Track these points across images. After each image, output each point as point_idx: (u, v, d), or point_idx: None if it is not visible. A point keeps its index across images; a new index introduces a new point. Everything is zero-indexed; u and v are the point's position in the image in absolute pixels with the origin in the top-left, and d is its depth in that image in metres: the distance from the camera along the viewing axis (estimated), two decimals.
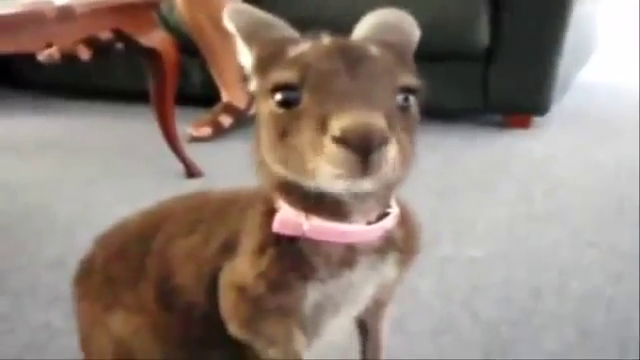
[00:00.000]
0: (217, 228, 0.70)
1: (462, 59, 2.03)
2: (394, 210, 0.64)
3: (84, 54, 2.13)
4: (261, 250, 0.62)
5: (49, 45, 1.40)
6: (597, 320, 1.04)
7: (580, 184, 1.64)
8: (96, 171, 1.85)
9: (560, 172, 1.74)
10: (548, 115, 2.13)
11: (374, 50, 0.55)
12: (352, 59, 0.53)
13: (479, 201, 1.55)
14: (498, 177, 1.71)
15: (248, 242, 0.64)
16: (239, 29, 0.60)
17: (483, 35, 2.00)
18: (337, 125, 0.48)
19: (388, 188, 0.59)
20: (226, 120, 2.14)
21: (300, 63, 0.54)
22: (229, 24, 0.61)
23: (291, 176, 0.55)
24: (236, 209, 0.69)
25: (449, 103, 2.09)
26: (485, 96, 2.09)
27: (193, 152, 1.80)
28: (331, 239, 0.61)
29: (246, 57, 0.61)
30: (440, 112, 2.07)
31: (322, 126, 0.49)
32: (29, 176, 1.83)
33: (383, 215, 0.63)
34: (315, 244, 0.61)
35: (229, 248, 0.67)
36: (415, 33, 0.62)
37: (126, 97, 2.54)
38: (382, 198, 0.61)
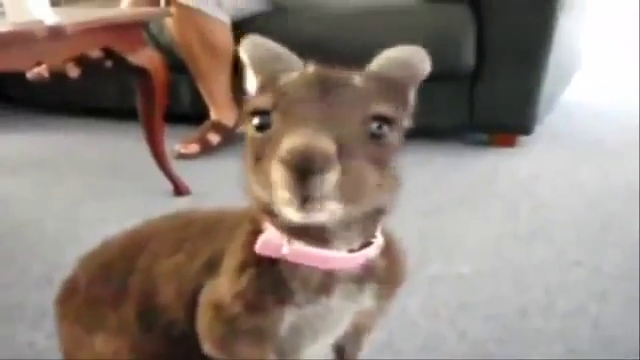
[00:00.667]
0: (202, 246, 0.70)
1: (448, 78, 2.04)
2: (378, 240, 0.65)
3: (73, 72, 2.12)
4: (241, 269, 0.63)
5: (39, 64, 1.40)
6: (583, 338, 1.05)
7: (565, 203, 1.65)
8: (84, 188, 1.85)
9: (545, 191, 1.75)
10: (533, 134, 2.16)
11: (356, 80, 0.56)
12: (326, 87, 0.54)
13: (466, 219, 1.56)
14: (485, 195, 1.73)
15: (230, 261, 0.65)
16: (250, 59, 0.63)
17: (469, 55, 2.02)
18: (283, 146, 0.49)
19: (371, 217, 0.60)
20: (214, 138, 2.15)
21: (277, 90, 0.55)
22: (243, 54, 0.63)
23: (266, 200, 0.55)
24: (224, 228, 0.70)
25: (436, 122, 2.11)
26: (471, 115, 2.12)
27: (181, 170, 1.81)
28: (311, 263, 0.61)
29: (252, 85, 0.63)
30: (427, 131, 2.09)
31: (277, 149, 0.50)
32: (17, 192, 1.83)
33: (367, 244, 0.63)
34: (294, 268, 0.62)
35: (212, 266, 0.68)
36: (423, 68, 0.62)
37: (115, 115, 2.55)
38: (366, 227, 0.62)
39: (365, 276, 0.65)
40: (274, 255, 0.62)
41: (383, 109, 0.55)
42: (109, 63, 1.97)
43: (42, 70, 2.14)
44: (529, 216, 1.57)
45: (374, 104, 0.54)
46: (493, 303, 1.16)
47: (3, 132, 2.56)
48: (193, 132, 2.17)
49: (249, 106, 0.56)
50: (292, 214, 0.51)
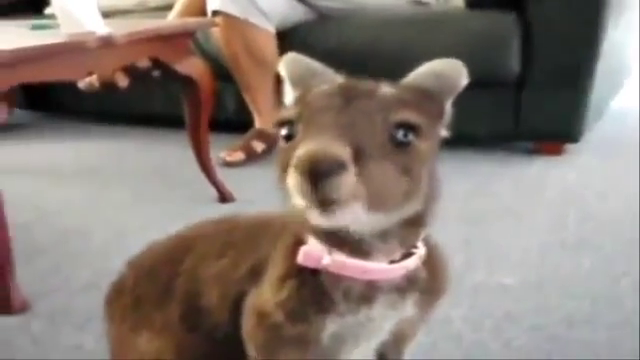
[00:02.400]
0: (246, 253, 0.72)
1: (493, 85, 2.02)
2: (420, 250, 0.65)
3: (122, 82, 2.18)
4: (283, 280, 0.65)
5: (90, 73, 1.45)
6: (630, 349, 1.02)
7: (613, 213, 1.62)
8: (130, 196, 1.89)
9: (593, 200, 1.72)
10: (581, 142, 2.12)
11: (382, 90, 0.56)
12: (349, 97, 0.55)
13: (511, 228, 1.54)
14: (530, 204, 1.70)
15: (273, 270, 0.67)
16: (288, 75, 0.65)
17: (514, 61, 2.00)
18: (297, 153, 0.50)
19: (409, 228, 0.61)
20: (259, 146, 2.17)
21: (303, 101, 0.57)
22: (281, 70, 0.65)
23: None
24: (268, 235, 0.72)
25: (480, 130, 2.09)
26: (516, 123, 2.09)
27: (226, 177, 1.83)
28: (352, 275, 0.62)
29: (290, 99, 0.65)
30: (471, 139, 2.08)
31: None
32: (66, 200, 1.87)
33: (409, 255, 0.64)
34: (336, 278, 0.63)
35: (256, 273, 0.69)
36: (460, 81, 0.61)
37: (162, 123, 2.60)
38: (404, 238, 0.62)
39: (407, 286, 0.65)
40: (315, 266, 0.63)
41: (408, 116, 0.55)
42: (157, 73, 2.02)
43: (93, 80, 2.21)
44: (576, 226, 1.54)
45: (399, 111, 0.55)
46: (538, 313, 1.14)
47: (53, 141, 2.63)
48: (238, 140, 2.20)
49: (278, 117, 0.58)
50: (315, 218, 0.52)
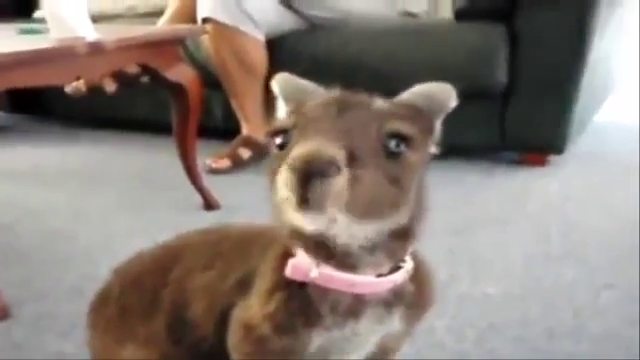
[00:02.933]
0: (235, 264, 0.72)
1: (480, 97, 2.04)
2: (407, 264, 0.66)
3: (110, 87, 2.17)
4: (271, 292, 0.65)
5: (78, 79, 1.44)
6: None
7: (597, 224, 1.64)
8: (117, 201, 1.88)
9: (576, 211, 1.74)
10: (564, 154, 2.14)
11: (376, 103, 0.58)
12: (344, 107, 0.56)
13: (496, 239, 1.55)
14: (515, 215, 1.72)
15: (261, 283, 0.67)
16: (281, 91, 0.66)
17: (502, 73, 2.02)
18: (291, 154, 0.51)
19: (397, 241, 0.61)
20: (245, 153, 2.17)
21: (299, 111, 0.59)
22: (274, 87, 0.67)
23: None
24: (257, 247, 0.72)
25: (467, 140, 2.11)
26: (502, 134, 2.11)
27: (212, 184, 1.83)
28: (338, 288, 0.63)
29: (282, 113, 0.66)
30: (457, 149, 2.09)
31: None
32: (52, 204, 1.86)
33: (396, 268, 0.65)
34: (323, 292, 0.63)
35: (244, 286, 0.69)
36: (449, 103, 0.62)
37: (149, 128, 2.59)
38: (392, 252, 0.63)
39: (394, 300, 0.66)
40: (303, 279, 0.63)
41: (401, 127, 0.56)
42: (145, 79, 2.01)
43: (80, 85, 2.20)
44: (560, 237, 1.56)
45: (392, 122, 0.56)
46: (522, 325, 1.15)
47: (39, 144, 2.62)
48: (225, 147, 2.20)
49: (272, 127, 0.59)
50: (291, 214, 0.53)
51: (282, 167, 0.51)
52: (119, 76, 2.07)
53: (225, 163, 2.14)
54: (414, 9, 2.49)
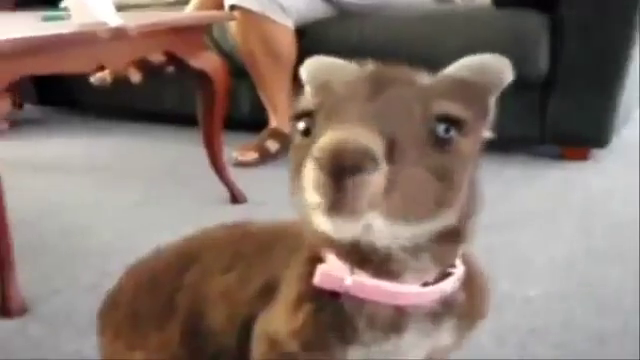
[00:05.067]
0: (258, 267, 0.64)
1: (520, 87, 1.95)
2: (457, 270, 0.57)
3: (135, 77, 2.15)
4: (298, 304, 0.56)
5: (100, 67, 1.40)
6: None
7: None
8: (140, 194, 1.85)
9: (621, 207, 1.65)
10: (605, 148, 2.06)
11: (420, 78, 0.50)
12: (380, 84, 0.48)
13: (537, 236, 1.47)
14: (557, 211, 1.63)
15: (287, 291, 0.59)
16: (310, 77, 0.58)
17: (542, 63, 1.93)
18: (319, 144, 0.42)
19: (445, 244, 0.53)
20: (273, 146, 2.12)
21: (326, 89, 0.50)
22: (303, 73, 0.59)
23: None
24: (283, 247, 0.64)
25: (506, 133, 2.01)
26: (542, 126, 2.02)
27: (238, 177, 1.78)
28: (378, 299, 0.54)
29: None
30: (496, 142, 2.00)
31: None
32: (74, 197, 1.84)
33: (445, 275, 0.56)
34: (359, 303, 0.55)
35: (268, 292, 0.61)
36: (504, 76, 0.55)
37: (175, 120, 2.56)
38: (439, 256, 0.54)
39: (442, 311, 0.57)
40: (335, 289, 0.55)
41: (451, 108, 0.47)
42: (171, 68, 1.98)
43: (105, 75, 2.18)
44: (604, 234, 1.47)
45: (441, 102, 0.47)
46: (567, 328, 1.07)
47: (65, 136, 2.60)
48: (252, 139, 2.14)
49: (294, 109, 0.51)
50: (320, 219, 0.44)
51: (307, 161, 0.43)
52: (144, 66, 2.04)
53: (252, 156, 2.08)
54: None
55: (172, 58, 1.56)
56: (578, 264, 1.32)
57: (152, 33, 1.41)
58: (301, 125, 0.49)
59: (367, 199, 0.42)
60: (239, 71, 2.08)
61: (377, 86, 0.47)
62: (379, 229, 0.46)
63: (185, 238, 0.75)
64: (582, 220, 1.57)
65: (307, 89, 0.58)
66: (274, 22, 2.04)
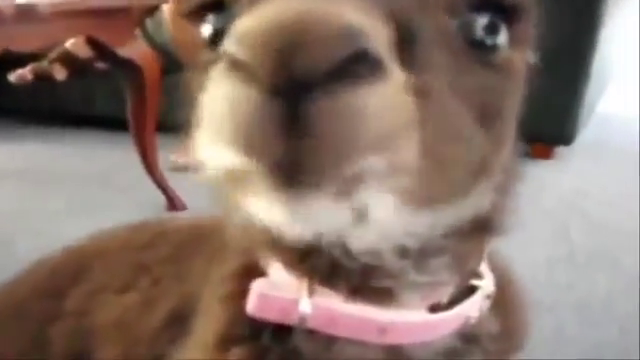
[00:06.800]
0: (167, 283, 0.44)
1: None
2: (485, 283, 0.37)
3: (60, 74, 1.94)
4: (223, 347, 0.35)
5: (4, 50, 1.20)
6: None
7: (619, 222, 1.44)
8: (65, 203, 1.67)
9: (595, 208, 1.54)
10: (569, 146, 1.97)
11: None
12: None
13: (514, 241, 1.33)
14: (530, 212, 1.50)
15: (203, 324, 0.37)
16: None
17: None
18: (245, 22, 0.21)
19: (469, 238, 0.33)
20: None
21: None
22: None
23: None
24: (203, 253, 0.43)
25: None
26: None
27: (177, 183, 1.60)
28: (356, 335, 0.33)
29: None
30: None
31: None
32: None
33: (466, 291, 0.35)
34: (326, 343, 0.33)
35: (178, 321, 0.41)
36: None
37: (104, 125, 2.38)
38: (460, 259, 0.34)
39: (464, 349, 0.36)
40: (283, 320, 0.33)
41: None
42: (100, 64, 1.78)
43: (26, 72, 1.96)
44: (582, 237, 1.36)
45: None
46: (558, 341, 0.94)
47: None
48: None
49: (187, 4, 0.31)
50: (257, 200, 0.24)
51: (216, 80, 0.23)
52: (69, 60, 1.84)
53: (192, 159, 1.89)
54: None
55: (98, 48, 1.39)
56: (559, 270, 1.20)
57: (70, 14, 1.23)
58: (207, 28, 0.30)
59: (362, 149, 0.21)
60: (176, 67, 1.90)
61: None
62: (382, 217, 0.24)
63: (71, 246, 0.56)
64: (558, 223, 1.45)
65: None
66: None
